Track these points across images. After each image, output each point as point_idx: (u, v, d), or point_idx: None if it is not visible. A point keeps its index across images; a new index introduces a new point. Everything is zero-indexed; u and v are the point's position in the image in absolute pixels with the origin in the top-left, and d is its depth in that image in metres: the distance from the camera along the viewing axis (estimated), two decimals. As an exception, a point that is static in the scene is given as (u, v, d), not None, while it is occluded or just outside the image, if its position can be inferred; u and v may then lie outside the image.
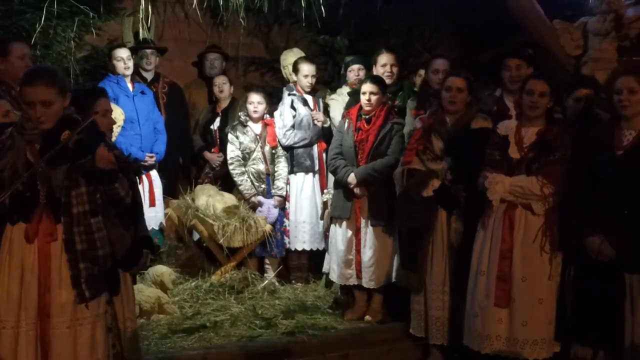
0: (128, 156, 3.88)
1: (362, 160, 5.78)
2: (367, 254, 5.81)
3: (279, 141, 6.70)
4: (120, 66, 6.37)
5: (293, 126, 6.65)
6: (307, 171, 6.72)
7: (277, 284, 6.54)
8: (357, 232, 5.83)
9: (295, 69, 6.73)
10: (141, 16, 6.29)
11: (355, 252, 5.85)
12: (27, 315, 3.56)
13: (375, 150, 5.75)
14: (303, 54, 7.15)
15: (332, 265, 6.01)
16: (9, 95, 4.48)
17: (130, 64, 6.45)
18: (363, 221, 5.80)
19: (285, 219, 6.76)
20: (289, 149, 6.71)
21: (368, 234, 5.80)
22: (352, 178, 5.74)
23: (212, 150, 7.04)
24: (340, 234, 5.90)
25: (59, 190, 3.59)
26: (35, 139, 3.59)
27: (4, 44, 4.84)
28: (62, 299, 3.59)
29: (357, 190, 5.76)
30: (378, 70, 6.24)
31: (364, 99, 5.76)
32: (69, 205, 3.60)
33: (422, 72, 6.27)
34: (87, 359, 3.65)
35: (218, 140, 7.03)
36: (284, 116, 6.67)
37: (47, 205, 3.59)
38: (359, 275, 5.85)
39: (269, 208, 6.63)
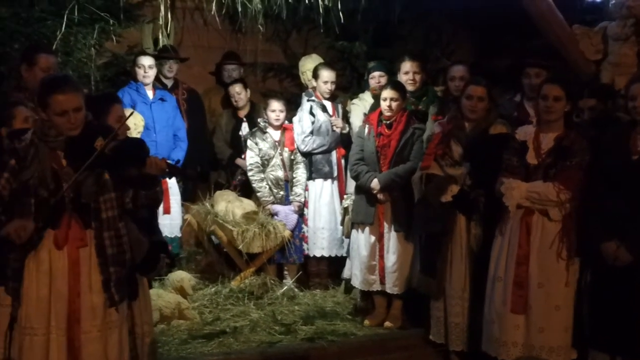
0: (177, 162, 3.99)
1: (384, 166, 5.79)
2: (390, 259, 5.80)
3: (297, 147, 6.72)
4: (140, 73, 6.44)
5: (312, 132, 6.66)
6: (325, 177, 6.72)
7: (296, 289, 6.54)
8: (380, 238, 5.83)
9: (315, 75, 6.74)
10: (161, 23, 6.33)
11: (378, 258, 5.84)
12: (57, 321, 3.59)
13: (398, 155, 5.76)
14: (321, 60, 7.17)
15: (354, 272, 6.00)
16: (31, 102, 4.51)
17: (151, 72, 6.52)
18: (386, 226, 5.80)
19: (303, 225, 6.76)
20: (307, 155, 6.72)
21: (391, 239, 5.80)
22: (375, 183, 5.74)
23: (242, 156, 7.03)
24: (363, 239, 5.89)
25: (88, 196, 3.62)
26: (58, 145, 3.62)
27: (32, 53, 4.88)
28: (93, 303, 3.63)
29: (380, 196, 5.77)
30: (401, 77, 6.25)
31: (384, 104, 5.77)
32: (98, 210, 3.65)
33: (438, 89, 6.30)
34: None
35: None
36: (302, 122, 6.68)
37: (74, 212, 3.63)
38: (382, 281, 5.85)
39: (286, 214, 6.63)
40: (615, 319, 4.50)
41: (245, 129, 7.05)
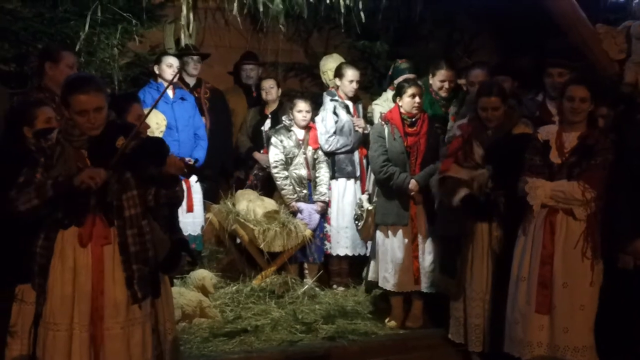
0: (195, 161, 4.02)
1: (414, 166, 5.79)
2: (427, 259, 5.80)
3: (320, 147, 6.72)
4: (168, 72, 6.47)
5: (335, 132, 6.66)
6: (349, 177, 6.73)
7: (317, 288, 6.54)
8: (413, 239, 5.82)
9: (339, 74, 6.74)
10: (183, 23, 6.35)
11: (412, 259, 5.82)
12: (80, 318, 3.62)
13: (428, 155, 5.78)
14: (342, 60, 7.17)
15: (384, 274, 5.92)
16: (53, 102, 4.55)
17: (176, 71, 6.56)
18: (420, 227, 5.80)
19: (326, 224, 6.76)
20: (330, 154, 6.72)
21: (427, 239, 5.80)
22: (413, 184, 5.73)
23: (262, 151, 7.06)
24: (396, 241, 5.85)
25: (111, 194, 3.65)
26: (82, 145, 3.66)
27: (56, 51, 4.93)
28: (116, 300, 3.66)
29: (417, 197, 5.76)
30: (435, 83, 6.31)
31: (413, 101, 5.76)
32: (121, 208, 3.68)
33: (462, 81, 6.29)
34: (140, 358, 3.73)
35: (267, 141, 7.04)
36: (326, 122, 6.68)
37: (98, 210, 3.65)
38: (417, 282, 5.83)
39: (310, 213, 6.63)
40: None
41: (268, 124, 7.08)
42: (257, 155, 7.06)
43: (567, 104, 4.65)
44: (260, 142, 7.09)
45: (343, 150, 6.69)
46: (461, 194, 5.05)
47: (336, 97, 6.73)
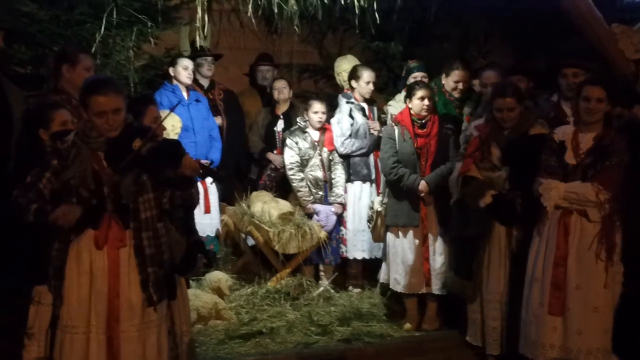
0: (211, 163, 4.03)
1: (425, 167, 5.78)
2: (438, 260, 5.78)
3: (336, 149, 6.71)
4: (184, 74, 6.50)
5: (350, 135, 6.65)
6: (364, 180, 6.71)
7: (332, 290, 6.53)
8: (424, 240, 5.80)
9: (356, 76, 6.72)
10: (198, 25, 6.37)
11: (422, 260, 5.81)
12: (97, 320, 3.64)
13: (438, 156, 5.76)
14: (357, 61, 7.17)
15: (395, 276, 5.92)
16: (69, 105, 4.57)
17: (191, 74, 6.58)
18: (430, 228, 5.78)
19: (341, 227, 6.75)
20: (345, 157, 6.71)
21: (438, 240, 5.78)
22: (423, 186, 5.72)
23: (275, 151, 7.06)
24: (407, 243, 5.84)
25: (127, 196, 3.66)
26: (99, 146, 3.67)
27: (74, 53, 4.96)
28: (131, 303, 3.67)
29: (427, 198, 5.74)
30: (449, 83, 6.30)
31: (422, 104, 5.75)
32: (137, 210, 3.69)
33: (475, 82, 6.27)
34: None
35: (281, 142, 7.05)
36: (342, 124, 6.67)
37: (114, 212, 3.67)
38: (427, 283, 5.81)
39: (327, 215, 6.62)
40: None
41: (281, 125, 7.08)
42: (271, 155, 7.06)
43: (583, 105, 4.62)
44: (273, 143, 7.09)
45: (358, 153, 6.68)
46: (489, 195, 5.03)
47: (352, 100, 6.72)
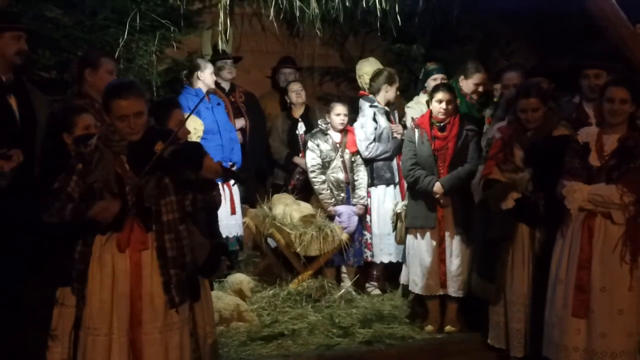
0: (233, 164, 4.03)
1: (442, 169, 5.78)
2: (454, 263, 5.77)
3: (360, 153, 6.70)
4: (209, 79, 6.55)
5: (374, 139, 6.65)
6: (387, 183, 6.70)
7: (354, 292, 6.54)
8: (440, 242, 5.79)
9: (391, 81, 6.70)
10: (220, 29, 6.41)
11: (439, 262, 5.80)
12: (120, 323, 3.66)
13: (456, 158, 5.74)
14: (379, 63, 7.16)
15: (413, 277, 5.93)
16: (92, 109, 4.61)
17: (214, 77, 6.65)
18: (447, 230, 5.77)
19: (365, 232, 6.73)
20: (368, 161, 6.70)
21: (454, 243, 5.77)
22: (438, 187, 5.71)
23: (300, 155, 7.08)
24: (424, 244, 5.84)
25: (150, 199, 3.69)
26: (122, 150, 3.70)
27: (96, 57, 5.01)
28: (154, 305, 3.70)
29: (442, 200, 5.73)
30: (469, 85, 6.28)
31: (439, 107, 5.75)
32: (159, 213, 3.71)
33: (497, 86, 6.25)
34: None
35: (303, 145, 7.07)
36: (365, 128, 6.65)
37: (136, 215, 3.69)
38: (443, 285, 5.80)
39: (349, 216, 6.62)
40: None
41: (302, 128, 7.12)
42: (298, 159, 7.08)
43: (607, 106, 4.59)
44: (297, 147, 7.11)
45: (382, 157, 6.67)
46: (514, 197, 5.00)
47: (375, 103, 6.71)
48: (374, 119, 6.65)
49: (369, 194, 6.71)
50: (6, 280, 4.06)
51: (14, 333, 3.99)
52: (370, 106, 6.71)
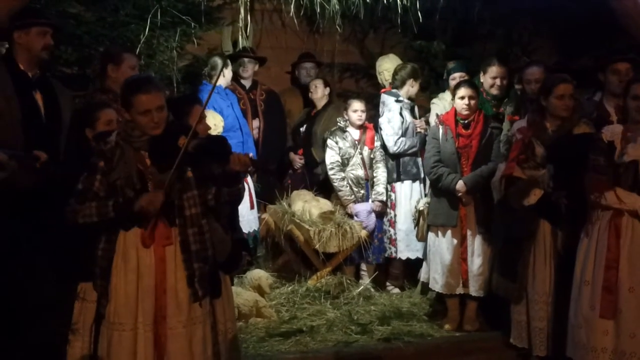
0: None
1: (465, 167, 5.75)
2: (476, 262, 5.75)
3: (388, 148, 6.64)
4: (229, 76, 6.59)
5: (402, 134, 6.62)
6: (414, 179, 6.66)
7: (372, 290, 6.52)
8: (462, 241, 5.77)
9: (415, 76, 6.68)
10: (240, 25, 6.41)
11: (460, 261, 5.78)
12: (145, 318, 3.68)
13: (479, 156, 5.71)
14: (399, 60, 7.13)
15: (434, 275, 5.91)
16: (115, 103, 4.62)
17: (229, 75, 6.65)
18: (469, 229, 5.75)
19: (390, 228, 6.68)
20: (395, 156, 6.67)
21: (476, 241, 5.74)
22: (460, 185, 5.68)
23: (297, 152, 7.10)
24: (445, 242, 5.82)
25: (172, 194, 3.70)
26: (143, 146, 3.71)
27: (118, 53, 5.03)
28: (178, 300, 3.72)
29: (464, 198, 5.71)
30: (487, 80, 6.22)
31: (462, 103, 5.72)
32: (182, 207, 3.72)
33: (518, 87, 6.22)
34: (201, 356, 3.78)
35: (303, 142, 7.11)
36: (393, 123, 6.59)
37: (160, 210, 3.69)
38: (464, 284, 5.79)
39: (367, 214, 6.59)
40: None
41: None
42: (291, 155, 7.17)
43: (632, 103, 4.54)
44: (299, 142, 7.16)
45: (410, 152, 6.63)
46: (537, 194, 4.97)
47: (401, 98, 6.66)
48: (400, 114, 6.62)
49: (393, 189, 6.66)
50: (33, 278, 4.07)
51: (39, 327, 4.00)
52: (396, 101, 6.66)
